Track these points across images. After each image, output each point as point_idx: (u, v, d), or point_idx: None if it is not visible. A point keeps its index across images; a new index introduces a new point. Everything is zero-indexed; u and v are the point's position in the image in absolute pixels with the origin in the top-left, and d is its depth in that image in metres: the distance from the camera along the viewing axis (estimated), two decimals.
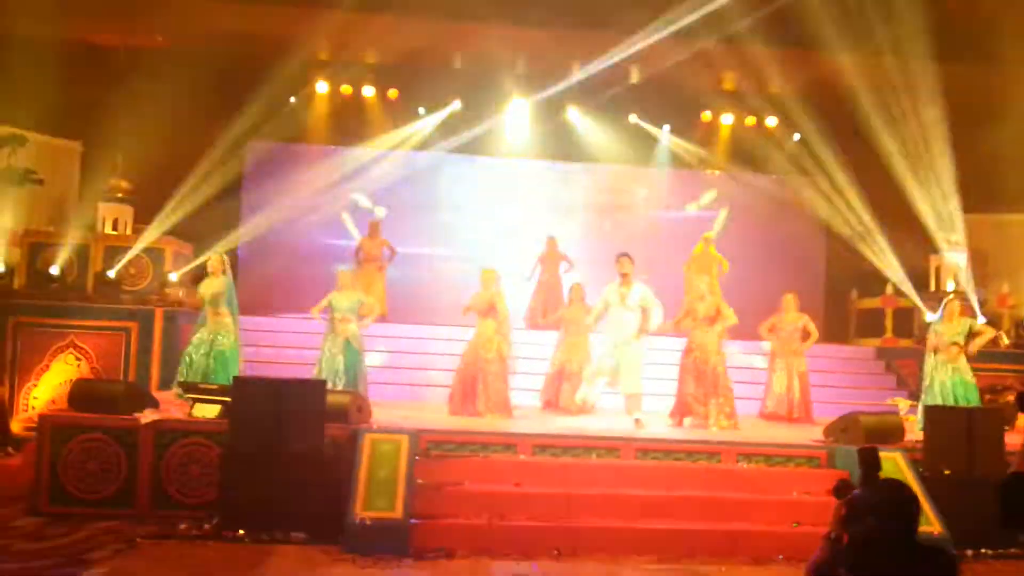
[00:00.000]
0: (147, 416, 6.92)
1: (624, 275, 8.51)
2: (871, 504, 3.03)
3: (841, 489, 3.47)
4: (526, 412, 9.25)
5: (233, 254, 13.35)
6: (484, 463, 6.86)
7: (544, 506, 6.45)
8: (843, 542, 3.30)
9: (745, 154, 14.87)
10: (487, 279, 8.97)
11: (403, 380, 10.55)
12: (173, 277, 10.71)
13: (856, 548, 2.19)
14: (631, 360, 8.40)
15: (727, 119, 14.73)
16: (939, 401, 8.67)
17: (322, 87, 13.92)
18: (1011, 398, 10.53)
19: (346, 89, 13.95)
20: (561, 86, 13.39)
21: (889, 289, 13.01)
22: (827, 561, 3.25)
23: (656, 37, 11.66)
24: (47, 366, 9.75)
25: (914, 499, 2.88)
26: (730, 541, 6.36)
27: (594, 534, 6.27)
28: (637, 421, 8.20)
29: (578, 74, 13.24)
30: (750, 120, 14.73)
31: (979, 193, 12.98)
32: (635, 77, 13.46)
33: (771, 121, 14.71)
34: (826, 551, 3.29)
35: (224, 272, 8.91)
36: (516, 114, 14.27)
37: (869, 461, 3.40)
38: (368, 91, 13.99)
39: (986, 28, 11.19)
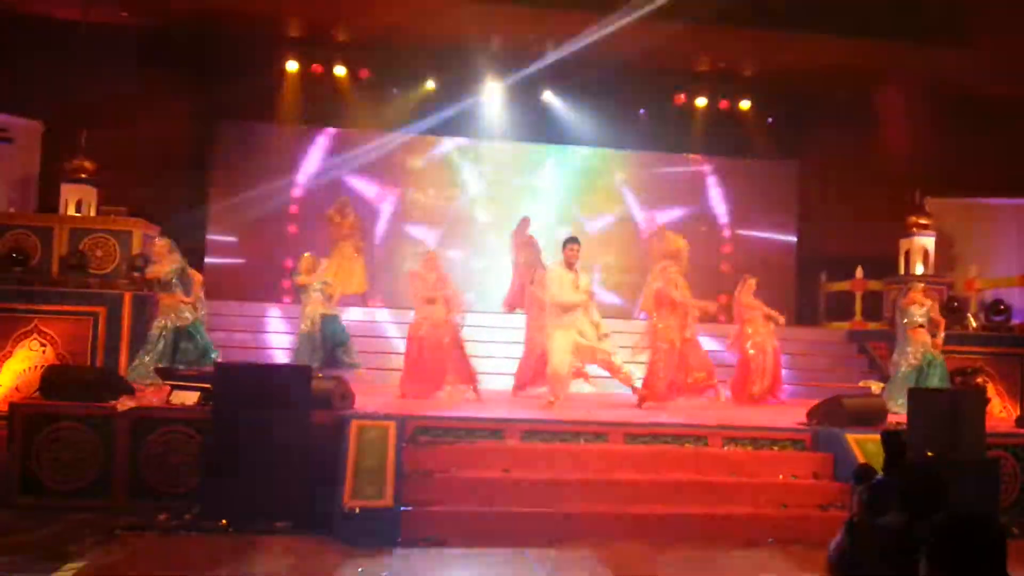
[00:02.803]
0: (124, 404, 6.70)
1: (572, 264, 8.34)
2: (898, 490, 3.00)
3: (863, 474, 3.42)
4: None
5: (203, 236, 13.11)
6: (472, 449, 6.76)
7: (534, 492, 6.37)
8: (865, 527, 3.26)
9: (719, 136, 14.85)
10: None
11: (383, 365, 10.36)
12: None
13: (935, 539, 2.12)
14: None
15: (701, 101, 14.63)
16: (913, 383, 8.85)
17: (292, 66, 13.57)
18: (980, 380, 10.80)
19: (317, 68, 13.62)
20: (536, 67, 13.22)
21: (858, 273, 13.12)
22: (849, 546, 3.20)
23: (632, 16, 11.57)
24: (10, 352, 9.42)
25: (947, 485, 2.85)
26: (720, 525, 6.34)
27: (585, 520, 6.20)
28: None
29: (553, 54, 13.09)
30: (724, 103, 14.67)
31: (945, 177, 13.14)
32: (611, 58, 13.32)
33: (744, 104, 14.69)
34: (848, 536, 3.24)
35: (169, 256, 9.10)
36: (491, 95, 14.06)
37: (894, 446, 3.36)
38: (340, 70, 13.66)
39: (961, 12, 11.30)
